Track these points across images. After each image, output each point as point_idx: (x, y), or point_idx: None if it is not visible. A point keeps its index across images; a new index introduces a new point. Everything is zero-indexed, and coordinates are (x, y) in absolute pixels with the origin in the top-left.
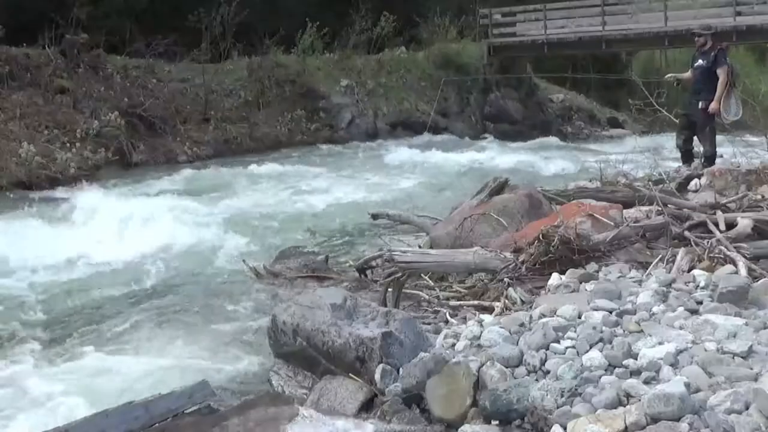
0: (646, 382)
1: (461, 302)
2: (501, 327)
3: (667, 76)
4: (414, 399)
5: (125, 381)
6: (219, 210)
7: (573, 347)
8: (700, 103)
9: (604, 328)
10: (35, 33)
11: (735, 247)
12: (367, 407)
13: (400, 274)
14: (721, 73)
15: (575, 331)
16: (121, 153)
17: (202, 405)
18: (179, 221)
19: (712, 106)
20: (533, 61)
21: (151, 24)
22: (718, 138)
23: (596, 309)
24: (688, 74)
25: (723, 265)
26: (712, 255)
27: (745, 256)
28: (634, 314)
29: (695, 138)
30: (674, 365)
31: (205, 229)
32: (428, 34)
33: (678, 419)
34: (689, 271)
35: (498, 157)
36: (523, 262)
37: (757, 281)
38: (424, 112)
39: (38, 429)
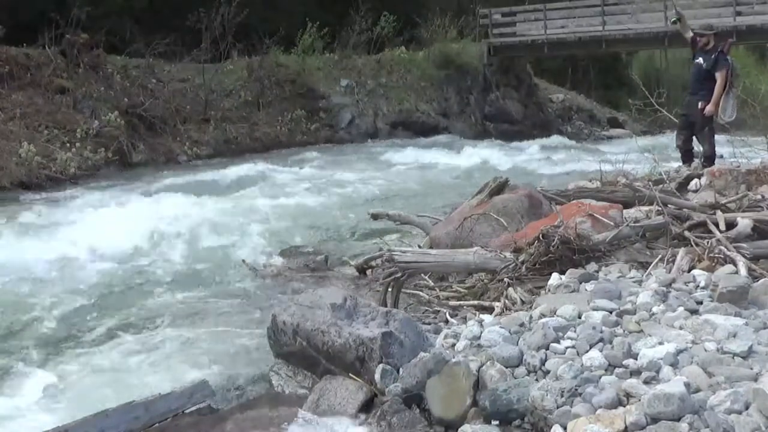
0: (646, 382)
1: (461, 302)
2: (501, 327)
3: (673, 15)
4: (414, 399)
5: (125, 381)
6: (219, 210)
7: (573, 347)
8: (700, 103)
9: (604, 328)
10: (35, 33)
11: (735, 247)
12: (367, 407)
13: (400, 274)
14: (720, 77)
15: (575, 331)
16: (121, 153)
17: (202, 405)
18: (179, 221)
19: (709, 108)
20: (533, 61)
21: (151, 24)
22: (718, 138)
23: (596, 309)
24: (689, 33)
25: (723, 265)
26: (712, 255)
27: (745, 256)
28: (634, 314)
29: (695, 138)
30: (674, 365)
31: (204, 229)
32: (428, 34)
33: (678, 419)
34: (689, 271)
35: (498, 157)
36: (523, 262)
37: (757, 281)
38: (424, 112)
39: (38, 429)
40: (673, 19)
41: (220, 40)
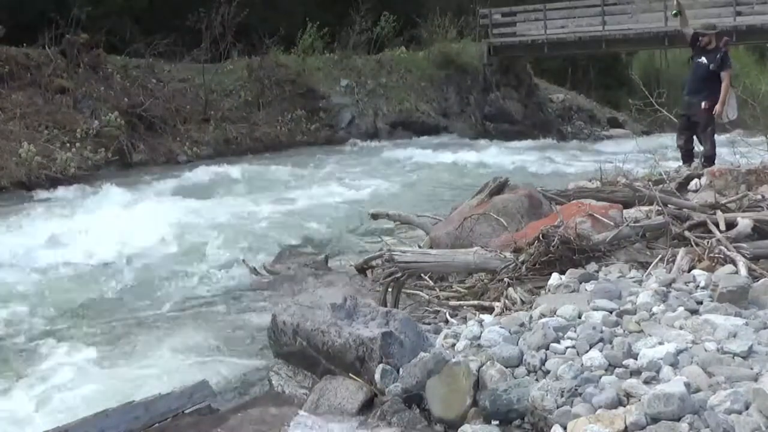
0: (646, 382)
1: (461, 302)
2: (501, 327)
3: (674, 7)
4: (414, 399)
5: (125, 381)
6: (219, 210)
7: (573, 347)
8: (703, 103)
9: (604, 328)
10: (35, 33)
11: (735, 247)
12: (367, 407)
13: (400, 274)
14: (725, 77)
15: (575, 331)
16: (121, 153)
17: (202, 405)
18: (179, 221)
19: (717, 108)
20: (533, 61)
21: (151, 24)
22: (718, 138)
23: (596, 309)
24: (689, 29)
25: (723, 265)
26: (712, 255)
27: (745, 256)
28: (634, 314)
29: (695, 138)
30: (674, 365)
31: (205, 229)
32: (428, 34)
33: (678, 419)
34: (689, 271)
35: (498, 157)
36: (523, 262)
37: (757, 281)
38: (424, 112)
39: (38, 429)
40: (674, 12)
41: (220, 40)
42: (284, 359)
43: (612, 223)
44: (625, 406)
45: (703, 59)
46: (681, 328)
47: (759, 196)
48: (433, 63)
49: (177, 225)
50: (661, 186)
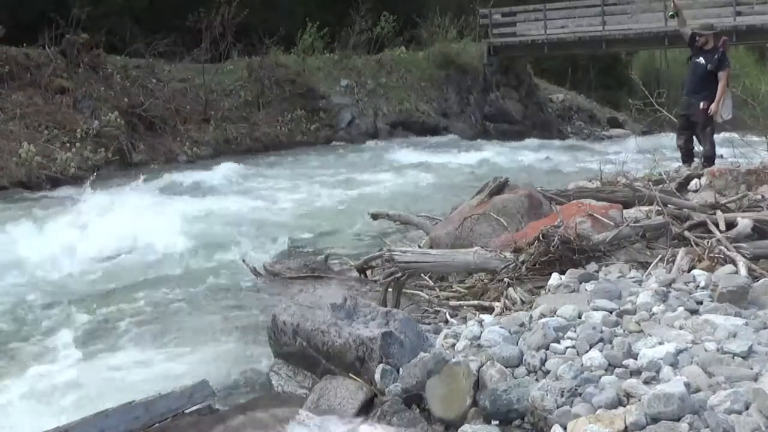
0: (646, 382)
1: (461, 302)
2: (501, 327)
3: (671, 8)
4: (414, 399)
5: (125, 381)
6: (219, 210)
7: (573, 347)
8: (702, 103)
9: (604, 328)
10: (35, 33)
11: (735, 247)
12: (367, 407)
13: (400, 274)
14: (723, 77)
15: (575, 331)
16: (121, 153)
17: (202, 405)
18: (179, 221)
19: (712, 107)
20: (533, 61)
21: (151, 24)
22: (718, 138)
23: (596, 309)
24: (687, 30)
25: (723, 265)
26: (712, 255)
27: (745, 256)
28: (634, 314)
29: (696, 138)
30: (674, 365)
31: (204, 229)
32: (428, 34)
33: (678, 419)
34: (689, 271)
35: (498, 157)
36: (523, 262)
37: (757, 281)
38: (424, 112)
39: (38, 429)
40: (671, 13)
41: (220, 40)
42: (284, 359)
43: (612, 223)
44: (625, 406)
45: (701, 59)
46: (681, 328)
47: (759, 196)
48: (433, 63)
49: (176, 225)
50: (661, 186)
